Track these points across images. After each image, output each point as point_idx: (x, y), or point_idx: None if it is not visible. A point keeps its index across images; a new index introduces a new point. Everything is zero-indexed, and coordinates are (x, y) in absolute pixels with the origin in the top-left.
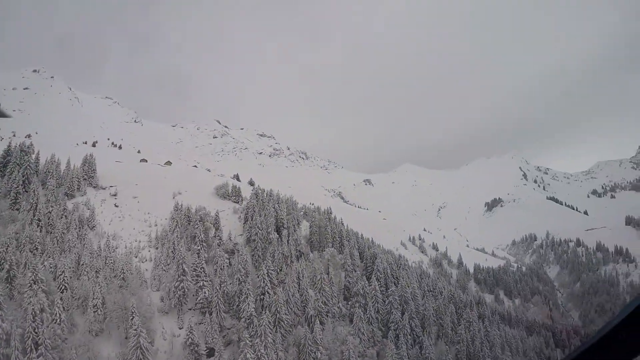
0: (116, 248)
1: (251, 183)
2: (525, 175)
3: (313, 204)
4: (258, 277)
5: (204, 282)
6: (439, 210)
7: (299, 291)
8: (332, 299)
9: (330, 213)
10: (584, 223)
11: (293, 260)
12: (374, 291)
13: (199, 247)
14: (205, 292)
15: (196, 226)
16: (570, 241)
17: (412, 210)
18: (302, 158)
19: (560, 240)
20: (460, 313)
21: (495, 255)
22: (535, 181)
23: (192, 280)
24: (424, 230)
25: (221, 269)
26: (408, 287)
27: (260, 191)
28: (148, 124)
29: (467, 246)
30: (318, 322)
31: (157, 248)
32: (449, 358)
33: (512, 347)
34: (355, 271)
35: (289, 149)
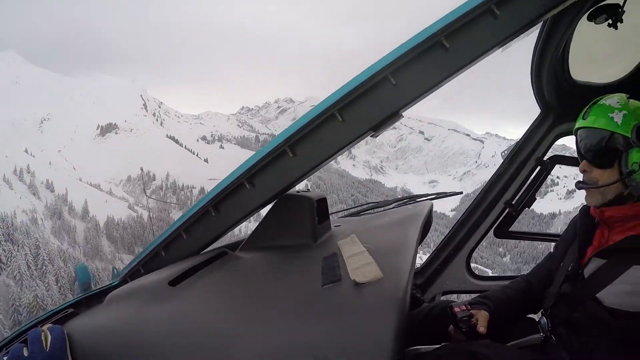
0: None
1: None
2: (145, 106)
3: None
4: None
5: None
6: (42, 122)
7: None
8: None
9: None
10: (203, 170)
11: None
12: None
13: None
14: None
15: None
16: (194, 187)
17: (10, 118)
18: None
19: (182, 184)
20: None
21: (113, 194)
22: (154, 114)
23: None
24: (26, 152)
25: None
26: None
27: None
28: None
29: (80, 179)
30: None
31: None
32: None
33: None
34: None
35: None
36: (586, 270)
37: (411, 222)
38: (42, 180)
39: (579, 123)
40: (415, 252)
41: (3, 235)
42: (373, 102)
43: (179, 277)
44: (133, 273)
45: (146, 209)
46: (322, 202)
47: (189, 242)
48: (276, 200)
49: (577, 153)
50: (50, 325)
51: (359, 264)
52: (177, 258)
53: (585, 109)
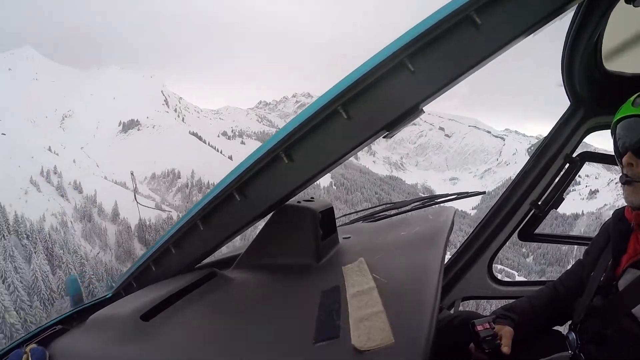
0: None
1: None
2: (167, 102)
3: None
4: None
5: None
6: (63, 119)
7: None
8: None
9: None
10: (228, 168)
11: None
12: None
13: None
14: None
15: None
16: None
17: (31, 115)
18: None
19: (208, 182)
20: None
21: (139, 192)
22: (176, 110)
23: None
24: (50, 150)
25: None
26: None
27: None
28: None
29: (106, 178)
30: None
31: None
32: None
33: None
34: None
35: None
36: (621, 281)
37: (433, 242)
38: (69, 180)
39: (629, 111)
40: (438, 293)
41: (45, 253)
42: (386, 94)
43: (153, 308)
44: (126, 286)
45: (174, 207)
46: (328, 213)
47: (178, 257)
48: (274, 212)
49: (619, 146)
50: (34, 346)
51: (365, 312)
52: (167, 273)
53: (633, 98)
